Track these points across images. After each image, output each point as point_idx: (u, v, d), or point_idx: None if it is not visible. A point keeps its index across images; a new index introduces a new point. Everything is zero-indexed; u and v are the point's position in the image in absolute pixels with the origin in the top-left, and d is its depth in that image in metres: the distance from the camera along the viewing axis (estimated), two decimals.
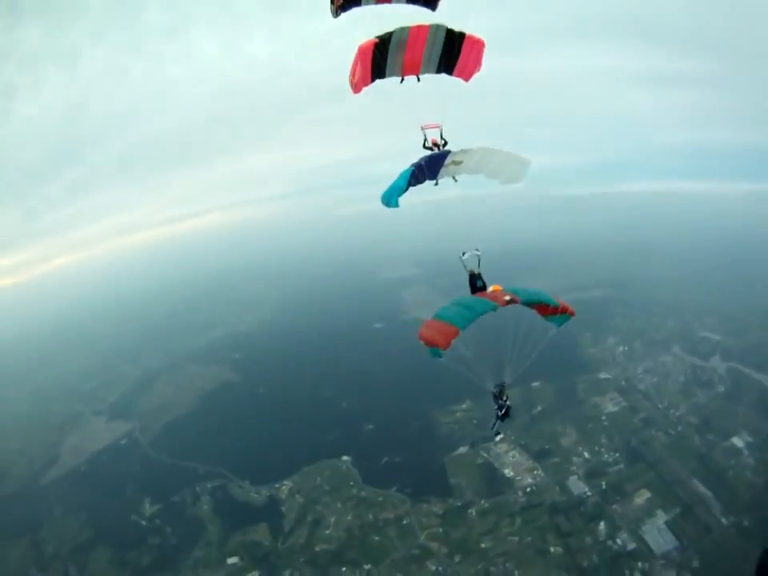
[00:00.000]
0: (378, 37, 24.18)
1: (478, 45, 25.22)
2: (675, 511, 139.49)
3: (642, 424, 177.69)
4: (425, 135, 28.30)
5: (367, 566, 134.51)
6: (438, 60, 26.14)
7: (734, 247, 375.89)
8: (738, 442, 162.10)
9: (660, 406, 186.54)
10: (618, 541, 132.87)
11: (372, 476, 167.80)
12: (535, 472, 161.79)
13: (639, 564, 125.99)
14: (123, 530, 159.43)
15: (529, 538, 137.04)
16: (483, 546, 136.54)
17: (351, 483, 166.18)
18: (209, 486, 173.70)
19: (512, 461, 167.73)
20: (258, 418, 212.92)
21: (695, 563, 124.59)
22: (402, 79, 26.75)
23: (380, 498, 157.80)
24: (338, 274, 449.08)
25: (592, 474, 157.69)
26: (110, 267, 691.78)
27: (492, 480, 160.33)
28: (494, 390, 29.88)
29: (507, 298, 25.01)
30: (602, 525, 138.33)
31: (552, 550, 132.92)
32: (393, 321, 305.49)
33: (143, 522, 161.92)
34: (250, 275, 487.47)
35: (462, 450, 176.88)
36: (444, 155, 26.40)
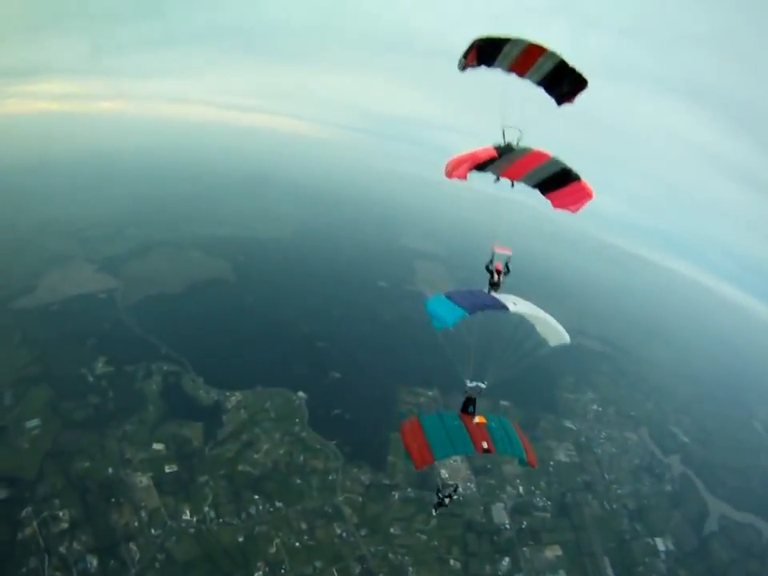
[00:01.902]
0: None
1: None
2: None
3: (583, 485, 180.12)
4: (492, 257, 29.12)
5: (279, 504, 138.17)
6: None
7: (739, 368, 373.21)
8: (660, 543, 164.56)
9: (606, 476, 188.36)
10: None
11: (319, 421, 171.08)
12: (468, 484, 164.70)
13: None
14: (69, 378, 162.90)
15: (435, 542, 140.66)
16: (392, 531, 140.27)
17: (297, 420, 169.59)
18: (165, 368, 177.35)
19: (452, 465, 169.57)
20: (235, 322, 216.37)
21: None
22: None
23: (318, 445, 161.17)
24: (364, 225, 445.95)
25: (518, 510, 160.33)
26: (154, 129, 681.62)
27: (427, 474, 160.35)
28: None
29: (485, 446, 25.92)
30: (506, 560, 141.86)
31: (452, 563, 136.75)
32: (398, 286, 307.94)
33: (90, 378, 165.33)
34: (284, 190, 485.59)
35: None
36: (498, 306, 26.78)
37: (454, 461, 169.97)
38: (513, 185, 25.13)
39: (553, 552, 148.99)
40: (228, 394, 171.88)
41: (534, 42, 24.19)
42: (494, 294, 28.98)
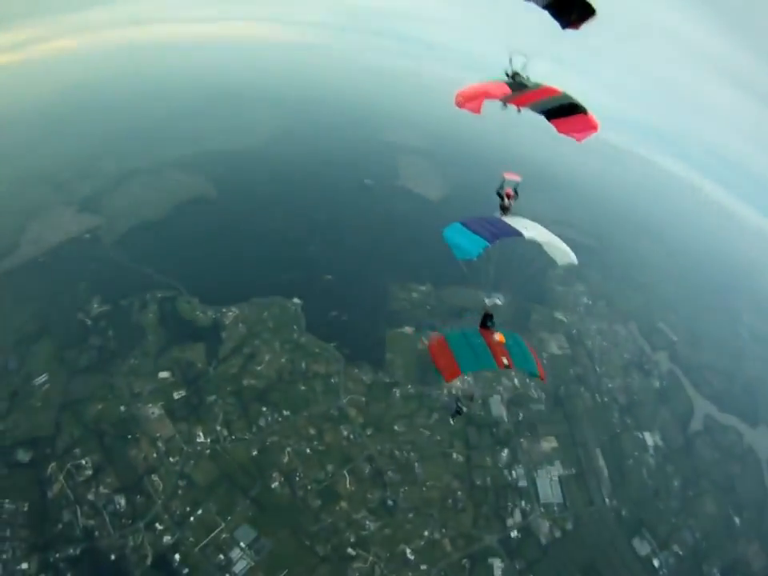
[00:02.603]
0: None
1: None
2: (571, 470, 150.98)
3: (575, 378, 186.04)
4: (502, 182, 30.51)
5: (286, 412, 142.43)
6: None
7: (728, 274, 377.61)
8: (648, 438, 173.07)
9: (598, 370, 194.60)
10: (513, 473, 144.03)
11: (316, 326, 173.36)
12: (466, 378, 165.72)
13: (523, 503, 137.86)
14: (68, 326, 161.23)
15: (438, 437, 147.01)
16: (396, 428, 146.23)
17: (295, 327, 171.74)
18: (159, 295, 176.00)
19: None
20: (223, 238, 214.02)
21: (569, 525, 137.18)
22: None
23: (317, 350, 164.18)
24: (346, 122, 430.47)
25: (514, 402, 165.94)
26: (115, 57, 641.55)
27: (425, 369, 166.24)
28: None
29: (506, 362, 27.67)
30: (505, 452, 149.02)
31: (454, 456, 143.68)
32: (383, 183, 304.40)
33: (88, 322, 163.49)
34: (260, 95, 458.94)
35: (407, 329, 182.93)
36: (514, 233, 27.60)
37: None
38: (519, 110, 26.44)
39: (548, 443, 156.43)
40: (224, 310, 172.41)
41: None
42: (504, 217, 30.09)
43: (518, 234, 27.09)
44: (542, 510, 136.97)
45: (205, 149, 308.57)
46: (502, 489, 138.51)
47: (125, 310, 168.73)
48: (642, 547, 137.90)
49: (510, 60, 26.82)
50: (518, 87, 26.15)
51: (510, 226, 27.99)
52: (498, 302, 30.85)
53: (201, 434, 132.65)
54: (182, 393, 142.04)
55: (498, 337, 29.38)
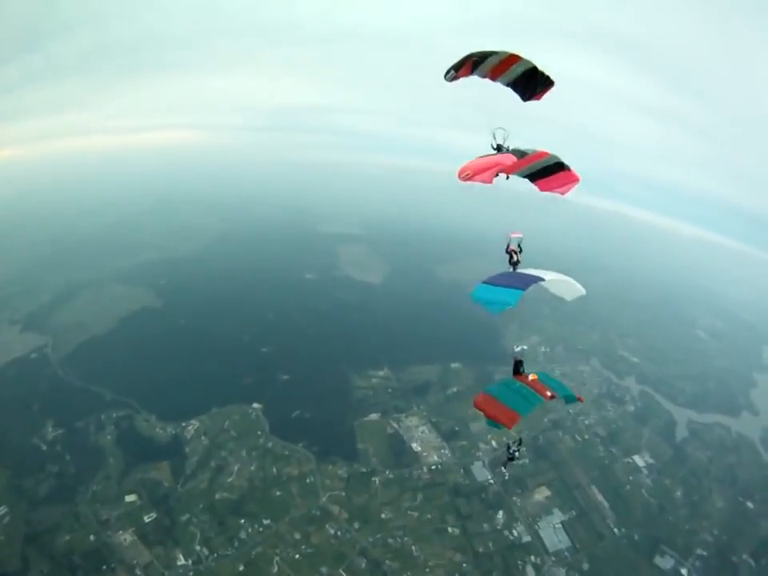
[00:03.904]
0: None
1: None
2: (571, 513, 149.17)
3: (551, 425, 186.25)
4: (509, 241, 32.45)
5: (266, 521, 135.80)
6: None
7: (672, 286, 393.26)
8: (639, 460, 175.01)
9: (571, 411, 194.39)
10: (515, 532, 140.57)
11: (281, 428, 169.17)
12: (442, 451, 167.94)
13: (532, 557, 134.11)
14: (22, 453, 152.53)
15: (429, 516, 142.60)
16: (383, 516, 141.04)
17: (259, 432, 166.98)
18: (114, 415, 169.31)
19: (421, 436, 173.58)
20: (174, 350, 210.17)
21: (585, 566, 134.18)
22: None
23: (286, 452, 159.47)
24: (282, 218, 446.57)
25: (497, 463, 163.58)
26: (53, 169, 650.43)
27: (399, 452, 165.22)
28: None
29: (549, 393, 28.84)
30: (500, 514, 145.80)
31: (450, 530, 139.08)
32: (325, 274, 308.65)
33: (44, 447, 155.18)
34: (195, 202, 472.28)
35: (374, 416, 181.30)
36: (538, 279, 29.15)
37: (422, 431, 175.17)
38: (507, 177, 27.99)
39: (542, 494, 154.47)
40: (184, 424, 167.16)
41: (513, 53, 27.92)
42: (518, 271, 31.74)
43: (542, 278, 28.55)
44: (554, 558, 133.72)
45: (146, 258, 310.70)
46: (507, 550, 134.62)
47: (81, 433, 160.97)
48: (666, 562, 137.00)
49: (494, 135, 29.16)
50: (520, 155, 27.94)
51: (530, 274, 29.65)
52: (525, 347, 32.59)
53: (180, 556, 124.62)
54: (153, 515, 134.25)
55: (532, 376, 30.82)
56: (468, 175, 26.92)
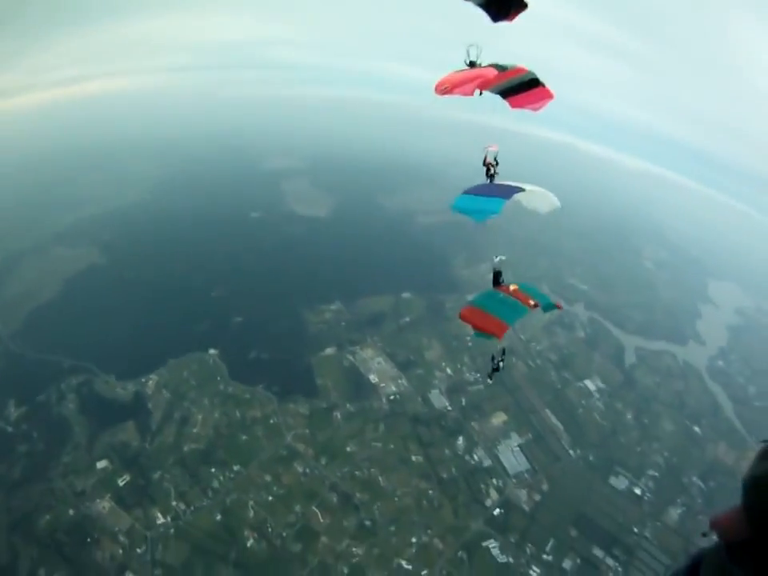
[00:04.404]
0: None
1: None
2: (528, 437, 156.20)
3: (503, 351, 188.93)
4: (486, 154, 31.95)
5: (236, 467, 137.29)
6: None
7: (618, 217, 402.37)
8: (590, 384, 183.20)
9: (522, 337, 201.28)
10: (475, 456, 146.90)
11: (239, 371, 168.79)
12: (399, 381, 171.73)
13: (494, 480, 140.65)
14: None
15: (392, 446, 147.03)
16: (349, 449, 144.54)
17: (218, 378, 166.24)
18: (74, 382, 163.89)
19: (377, 367, 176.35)
20: (124, 305, 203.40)
21: (545, 486, 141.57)
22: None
23: (247, 395, 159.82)
24: (222, 158, 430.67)
25: (453, 390, 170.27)
26: None
27: (358, 384, 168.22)
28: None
29: (532, 302, 29.94)
30: (460, 440, 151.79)
31: (414, 458, 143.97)
32: (270, 212, 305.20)
33: (9, 429, 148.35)
34: (131, 150, 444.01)
35: (330, 351, 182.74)
36: (518, 189, 30.10)
37: (378, 363, 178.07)
38: (481, 93, 27.71)
39: (499, 419, 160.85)
40: (144, 380, 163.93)
41: None
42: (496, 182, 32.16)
43: (521, 189, 28.77)
44: (515, 480, 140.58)
45: (87, 213, 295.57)
46: (470, 474, 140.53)
47: (43, 407, 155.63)
48: (620, 482, 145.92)
49: (468, 51, 28.57)
50: (500, 69, 27.73)
51: (509, 185, 29.72)
52: (503, 257, 33.53)
53: (159, 514, 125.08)
54: (126, 478, 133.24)
55: (513, 286, 31.57)
56: (447, 88, 26.81)
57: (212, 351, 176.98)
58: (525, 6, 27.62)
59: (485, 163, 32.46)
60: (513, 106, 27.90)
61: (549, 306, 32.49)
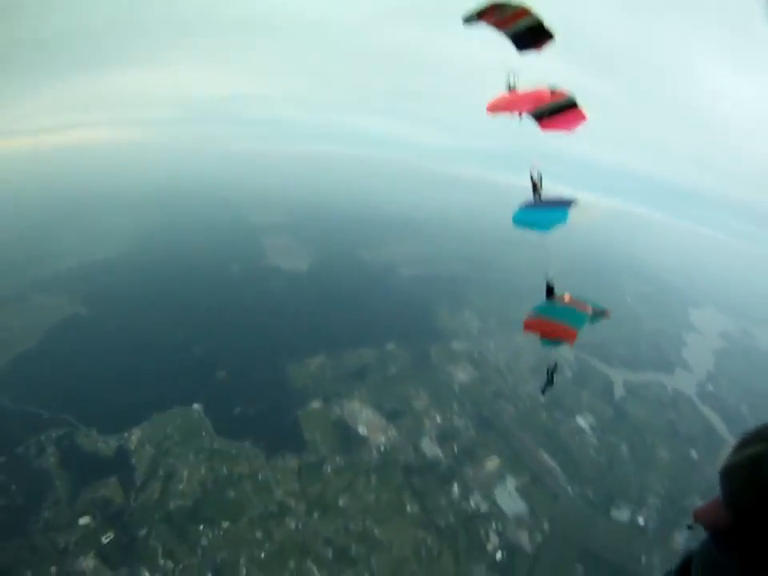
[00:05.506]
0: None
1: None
2: (524, 478, 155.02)
3: (492, 395, 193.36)
4: (531, 174, 32.86)
5: (225, 524, 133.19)
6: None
7: (595, 256, 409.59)
8: (582, 421, 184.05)
9: (510, 380, 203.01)
10: (472, 502, 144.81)
11: (225, 427, 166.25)
12: (389, 431, 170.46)
13: (493, 524, 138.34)
14: None
15: (385, 497, 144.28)
16: (341, 503, 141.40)
17: (203, 434, 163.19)
18: (54, 434, 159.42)
19: (365, 419, 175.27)
20: (105, 358, 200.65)
21: (545, 526, 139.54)
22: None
23: (233, 451, 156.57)
24: (203, 213, 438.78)
25: (444, 438, 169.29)
26: None
27: (346, 437, 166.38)
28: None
29: (589, 310, 30.18)
30: (455, 487, 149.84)
31: (409, 508, 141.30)
32: (251, 266, 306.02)
33: None
34: (114, 201, 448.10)
35: (316, 404, 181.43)
36: (572, 200, 30.41)
37: (366, 414, 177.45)
38: (520, 116, 27.95)
39: (492, 462, 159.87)
40: (126, 434, 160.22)
41: (525, 6, 28.04)
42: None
43: (575, 200, 28.57)
44: (514, 523, 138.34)
45: (68, 264, 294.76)
46: (468, 521, 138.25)
47: (22, 458, 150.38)
48: (622, 514, 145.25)
49: (509, 76, 28.68)
50: (552, 90, 27.99)
51: (561, 197, 30.01)
52: (554, 273, 33.96)
53: (146, 573, 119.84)
54: (110, 535, 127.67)
55: (567, 296, 31.81)
56: (502, 107, 27.51)
57: (196, 406, 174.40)
58: (551, 36, 28.63)
59: (531, 180, 32.10)
60: (544, 128, 27.94)
61: (599, 313, 32.03)
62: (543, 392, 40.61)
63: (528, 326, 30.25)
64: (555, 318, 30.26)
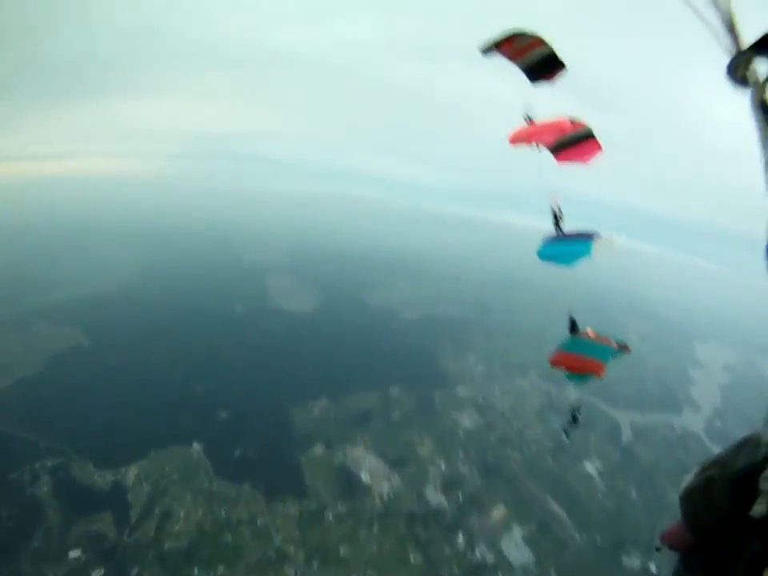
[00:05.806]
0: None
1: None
2: (531, 527, 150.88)
3: (497, 441, 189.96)
4: (551, 204, 31.79)
5: (221, 569, 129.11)
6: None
7: (595, 295, 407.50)
8: (589, 466, 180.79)
9: (516, 425, 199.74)
10: (477, 553, 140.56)
11: (224, 468, 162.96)
12: (392, 479, 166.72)
13: (499, 575, 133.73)
14: None
15: (388, 546, 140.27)
16: (342, 552, 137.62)
17: (202, 474, 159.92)
18: (49, 464, 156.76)
19: (369, 465, 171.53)
20: (106, 391, 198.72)
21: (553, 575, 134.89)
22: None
23: (233, 493, 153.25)
24: (206, 250, 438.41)
25: (449, 486, 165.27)
26: None
27: (349, 484, 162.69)
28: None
29: (615, 344, 29.07)
30: (460, 536, 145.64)
31: (412, 559, 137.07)
32: (254, 306, 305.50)
33: None
34: (117, 233, 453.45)
35: (319, 449, 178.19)
36: (595, 232, 29.29)
37: (369, 461, 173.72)
38: (538, 146, 26.65)
39: (498, 511, 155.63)
40: (123, 470, 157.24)
41: (539, 35, 26.90)
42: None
43: (596, 232, 26.48)
44: (521, 574, 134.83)
45: (69, 294, 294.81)
46: (473, 572, 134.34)
47: (15, 485, 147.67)
48: (633, 561, 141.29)
49: (526, 107, 27.54)
50: (571, 121, 26.43)
51: (584, 230, 27.72)
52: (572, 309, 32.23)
53: None
54: (101, 571, 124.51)
55: (590, 330, 29.95)
56: (528, 137, 25.88)
57: (196, 446, 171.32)
58: (564, 66, 27.27)
59: (552, 212, 31.72)
60: (559, 160, 25.85)
61: (623, 348, 31.25)
62: (567, 433, 39.19)
63: (555, 362, 29.33)
64: (582, 353, 28.20)
